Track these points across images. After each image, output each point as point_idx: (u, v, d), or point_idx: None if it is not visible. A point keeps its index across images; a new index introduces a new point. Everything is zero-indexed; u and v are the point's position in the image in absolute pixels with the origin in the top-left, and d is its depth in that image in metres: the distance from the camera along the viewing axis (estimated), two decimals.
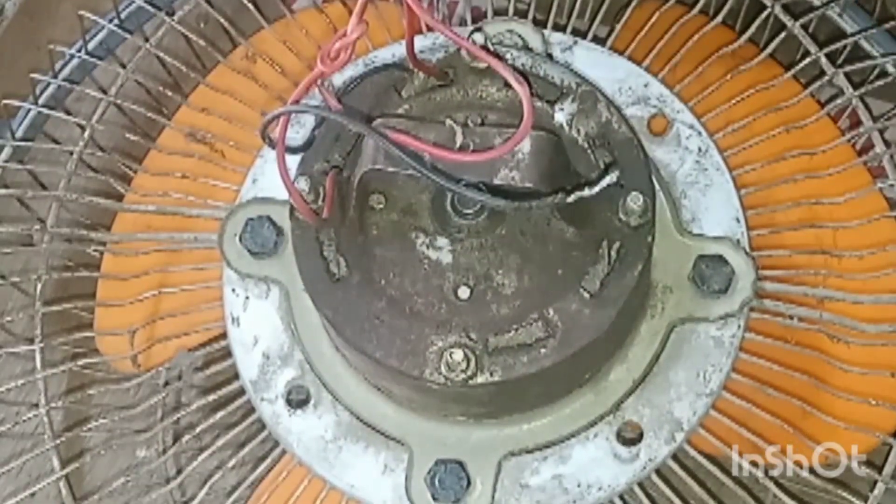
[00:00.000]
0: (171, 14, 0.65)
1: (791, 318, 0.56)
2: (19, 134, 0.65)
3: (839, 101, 0.60)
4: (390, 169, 0.46)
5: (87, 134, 0.63)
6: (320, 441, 0.55)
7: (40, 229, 0.61)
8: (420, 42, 0.56)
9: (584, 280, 0.48)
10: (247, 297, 0.57)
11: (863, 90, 0.60)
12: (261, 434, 0.56)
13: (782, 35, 0.61)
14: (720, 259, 0.54)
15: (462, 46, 0.50)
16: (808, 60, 0.61)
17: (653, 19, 0.61)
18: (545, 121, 0.51)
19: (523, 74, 0.51)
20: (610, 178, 0.46)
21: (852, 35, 0.62)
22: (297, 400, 0.55)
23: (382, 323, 0.49)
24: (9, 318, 0.62)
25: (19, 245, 0.63)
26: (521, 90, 0.43)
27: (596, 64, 0.58)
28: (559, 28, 0.61)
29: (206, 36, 0.65)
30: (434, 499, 0.53)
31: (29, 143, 0.66)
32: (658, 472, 0.53)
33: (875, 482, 0.54)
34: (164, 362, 0.60)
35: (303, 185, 0.49)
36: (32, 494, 0.59)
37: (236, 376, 0.56)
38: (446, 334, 0.48)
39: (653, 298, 0.54)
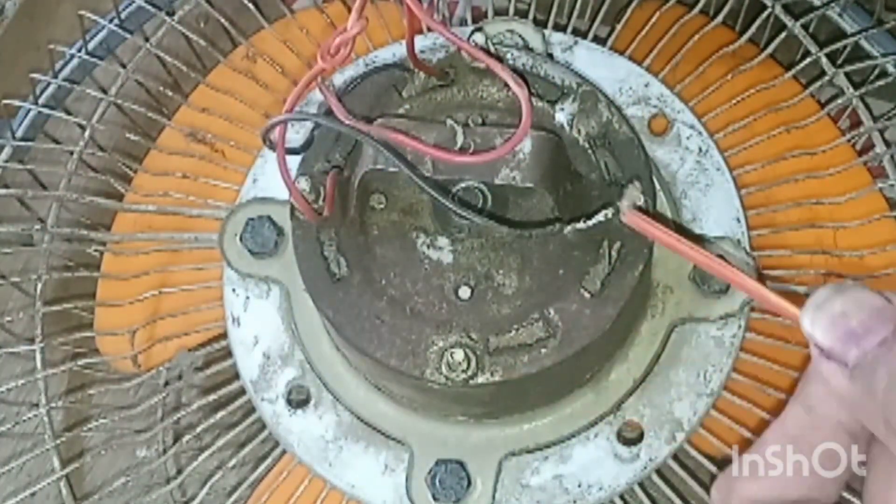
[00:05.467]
0: (171, 14, 0.65)
1: None
2: (19, 134, 0.65)
3: (839, 101, 0.60)
4: (391, 169, 0.46)
5: (87, 134, 0.62)
6: (321, 441, 0.55)
7: (40, 229, 0.61)
8: (420, 42, 0.56)
9: (584, 280, 0.48)
10: (247, 297, 0.57)
11: (863, 90, 0.60)
12: (261, 434, 0.56)
13: (782, 35, 0.61)
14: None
15: (461, 48, 0.49)
16: (808, 60, 0.61)
17: (653, 19, 0.61)
18: (546, 121, 0.51)
19: (521, 75, 0.51)
20: (605, 214, 0.46)
21: (852, 35, 0.62)
22: (298, 400, 0.55)
23: (383, 323, 0.49)
24: (9, 318, 0.62)
25: (19, 245, 0.63)
26: (519, 92, 0.43)
27: (596, 64, 0.58)
28: (560, 28, 0.61)
29: (206, 36, 0.65)
30: (434, 499, 0.53)
31: (29, 143, 0.66)
32: (658, 472, 0.53)
33: None
34: (164, 362, 0.60)
35: (303, 184, 0.49)
36: (32, 494, 0.59)
37: (237, 376, 0.56)
38: (447, 334, 0.48)
39: (653, 298, 0.54)
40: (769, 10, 0.61)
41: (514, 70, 0.52)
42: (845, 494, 0.53)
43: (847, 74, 0.60)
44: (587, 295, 0.48)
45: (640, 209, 0.45)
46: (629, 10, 0.62)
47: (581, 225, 0.46)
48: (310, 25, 0.64)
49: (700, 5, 0.61)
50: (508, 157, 0.45)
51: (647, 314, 0.54)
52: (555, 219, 0.48)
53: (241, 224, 0.56)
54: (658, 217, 0.46)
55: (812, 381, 0.38)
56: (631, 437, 0.54)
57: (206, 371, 0.59)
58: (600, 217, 0.45)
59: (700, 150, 0.57)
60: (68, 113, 0.65)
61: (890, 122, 0.60)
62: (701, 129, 0.57)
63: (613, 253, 0.49)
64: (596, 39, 0.61)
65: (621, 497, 0.54)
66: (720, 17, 0.61)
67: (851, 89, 0.60)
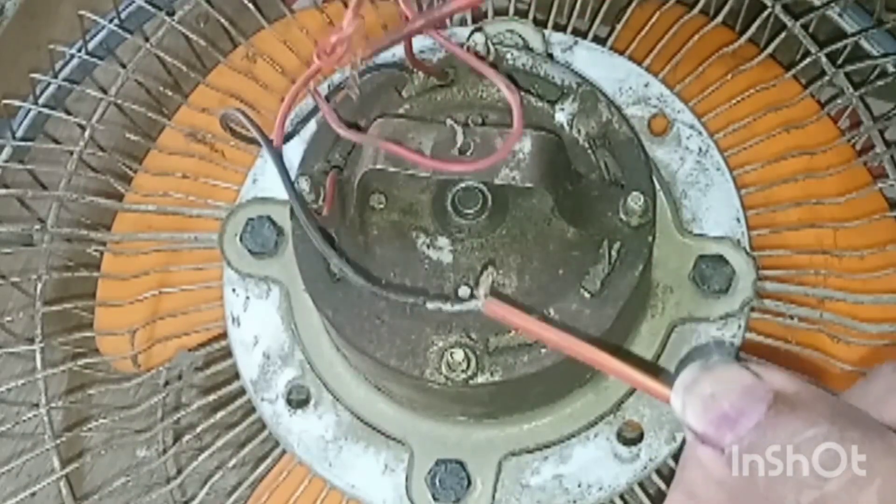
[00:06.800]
0: (171, 14, 0.65)
1: (791, 318, 0.56)
2: (19, 134, 0.65)
3: (839, 101, 0.60)
4: (391, 169, 0.46)
5: (87, 134, 0.62)
6: (321, 441, 0.55)
7: (40, 229, 0.61)
8: (421, 42, 0.56)
9: (584, 280, 0.48)
10: (247, 297, 0.57)
11: (863, 90, 0.60)
12: (261, 434, 0.56)
13: (782, 35, 0.61)
14: (721, 259, 0.54)
15: (451, 51, 0.49)
16: (808, 60, 0.61)
17: (653, 19, 0.61)
18: (546, 121, 0.51)
19: (512, 77, 0.51)
20: (473, 304, 0.41)
21: (852, 35, 0.62)
22: (298, 400, 0.55)
23: (383, 323, 0.49)
24: (9, 318, 0.62)
25: (19, 245, 0.63)
26: (510, 96, 0.42)
27: (596, 64, 0.58)
28: (559, 28, 0.61)
29: (206, 36, 0.65)
30: (434, 499, 0.53)
31: (29, 143, 0.66)
32: (658, 471, 0.53)
33: None
34: (164, 362, 0.60)
35: (303, 185, 0.49)
36: (32, 494, 0.59)
37: (236, 376, 0.56)
38: (447, 334, 0.48)
39: (653, 298, 0.54)
40: (769, 10, 0.61)
41: (513, 69, 0.52)
42: None
43: (847, 74, 0.60)
44: (587, 295, 0.48)
45: (500, 296, 0.42)
46: (629, 10, 0.62)
47: (446, 307, 0.43)
48: (310, 25, 0.64)
49: (700, 5, 0.62)
50: (508, 156, 0.45)
51: (647, 314, 0.54)
52: (420, 290, 0.48)
53: (241, 224, 0.56)
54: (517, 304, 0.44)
55: (690, 466, 0.36)
56: (631, 437, 0.54)
57: (206, 371, 0.59)
58: (468, 305, 0.42)
59: (700, 150, 0.57)
60: (68, 113, 0.65)
61: (890, 122, 0.60)
62: (701, 129, 0.57)
63: (613, 253, 0.49)
64: (596, 39, 0.61)
65: (621, 497, 0.54)
66: (720, 17, 0.61)
67: (851, 89, 0.60)
